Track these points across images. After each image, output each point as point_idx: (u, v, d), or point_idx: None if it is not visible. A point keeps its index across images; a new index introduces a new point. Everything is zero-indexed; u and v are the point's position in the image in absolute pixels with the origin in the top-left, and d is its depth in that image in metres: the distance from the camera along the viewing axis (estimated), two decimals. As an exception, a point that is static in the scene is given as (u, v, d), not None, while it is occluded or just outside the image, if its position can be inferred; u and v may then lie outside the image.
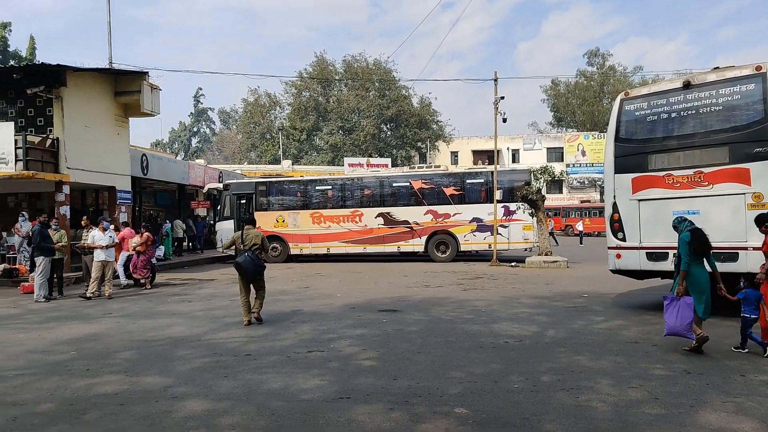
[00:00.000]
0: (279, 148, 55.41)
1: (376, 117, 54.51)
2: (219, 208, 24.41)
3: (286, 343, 7.73)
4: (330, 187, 22.49)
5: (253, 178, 26.60)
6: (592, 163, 56.89)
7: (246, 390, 5.65)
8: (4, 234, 16.95)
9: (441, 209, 21.06)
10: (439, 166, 26.50)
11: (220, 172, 29.78)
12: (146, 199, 26.93)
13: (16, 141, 15.25)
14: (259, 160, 57.89)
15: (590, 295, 11.97)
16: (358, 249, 21.59)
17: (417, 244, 21.25)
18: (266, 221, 21.47)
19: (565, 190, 56.82)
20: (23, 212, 17.24)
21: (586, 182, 57.30)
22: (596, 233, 41.36)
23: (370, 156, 51.58)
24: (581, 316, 9.60)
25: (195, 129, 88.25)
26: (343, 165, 45.45)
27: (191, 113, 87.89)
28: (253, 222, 9.99)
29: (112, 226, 14.08)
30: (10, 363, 6.97)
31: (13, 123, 15.96)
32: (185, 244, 26.08)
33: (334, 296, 12.41)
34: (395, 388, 5.59)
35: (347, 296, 12.36)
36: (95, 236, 13.11)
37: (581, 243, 32.60)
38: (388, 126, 57.70)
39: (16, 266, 16.10)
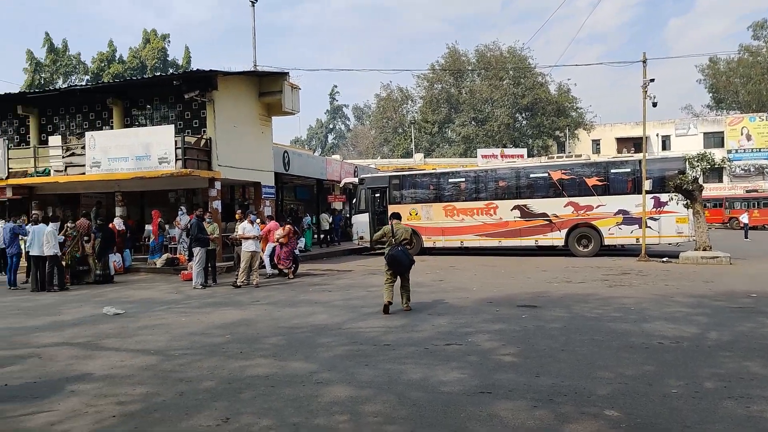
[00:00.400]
0: (411, 141, 55.99)
1: (510, 106, 53.24)
2: (354, 201, 25.13)
3: (424, 335, 7.74)
4: (463, 179, 22.25)
5: (387, 172, 27.10)
6: (759, 148, 51.39)
7: (386, 379, 5.72)
8: (167, 226, 18.62)
9: (583, 201, 20.03)
10: (579, 156, 25.19)
11: (355, 167, 30.64)
12: (287, 194, 28.36)
13: (176, 142, 16.70)
14: (391, 154, 58.90)
15: (759, 296, 10.76)
16: (492, 242, 21.20)
17: (556, 238, 20.38)
18: (401, 214, 21.67)
19: (726, 178, 51.69)
20: (182, 207, 18.87)
21: (752, 169, 51.68)
22: (763, 226, 37.45)
23: (504, 147, 50.54)
24: (749, 318, 8.66)
25: (331, 126, 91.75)
26: (475, 157, 44.97)
27: (327, 110, 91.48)
28: (399, 216, 10.32)
29: (258, 219, 14.95)
30: (175, 343, 7.63)
31: (173, 126, 17.50)
32: (323, 236, 27.17)
33: (469, 290, 12.27)
34: (538, 386, 5.38)
35: (483, 290, 12.17)
36: (245, 228, 14.00)
37: (746, 237, 29.61)
38: (524, 115, 56.14)
39: (177, 256, 17.64)
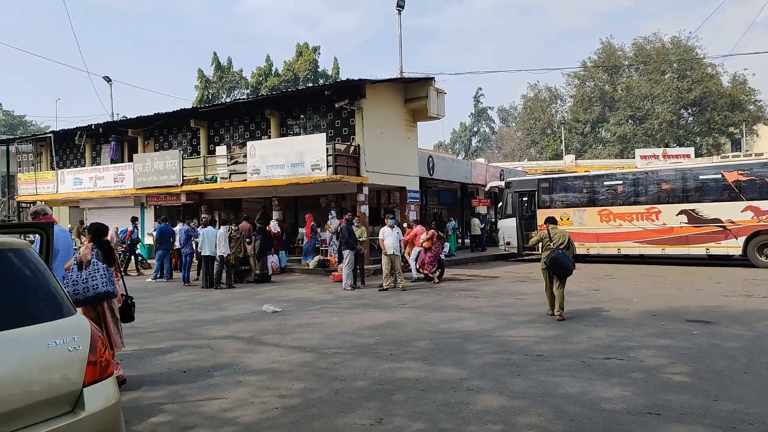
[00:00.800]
0: (561, 142, 53.84)
1: (673, 102, 49.16)
2: (500, 205, 24.65)
3: (580, 347, 7.34)
4: (620, 182, 20.89)
5: (535, 175, 26.27)
6: None
7: (541, 391, 5.48)
8: (319, 230, 19.53)
9: (765, 205, 17.89)
10: (760, 155, 22.51)
11: (501, 170, 30.10)
12: (431, 198, 28.53)
13: (327, 149, 17.48)
14: (539, 156, 57.11)
15: None
16: (654, 250, 19.67)
17: (732, 246, 18.37)
18: (549, 219, 20.96)
19: None
20: (332, 211, 19.70)
21: None
22: None
23: (667, 146, 46.77)
24: None
25: (475, 129, 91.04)
26: (633, 157, 42.13)
27: (471, 113, 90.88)
28: (555, 221, 10.04)
29: (395, 223, 15.02)
30: (328, 342, 7.93)
31: (324, 134, 18.35)
32: (467, 242, 27.00)
33: (629, 301, 11.47)
34: (716, 410, 4.84)
35: (645, 302, 11.31)
36: (383, 232, 14.27)
37: None
38: (690, 111, 51.57)
39: (328, 258, 18.42)
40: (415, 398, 5.32)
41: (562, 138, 53.80)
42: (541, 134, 59.72)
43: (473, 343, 7.71)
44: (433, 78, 20.19)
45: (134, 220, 19.82)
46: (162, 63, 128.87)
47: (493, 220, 29.75)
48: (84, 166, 25.85)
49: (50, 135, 27.15)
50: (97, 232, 5.93)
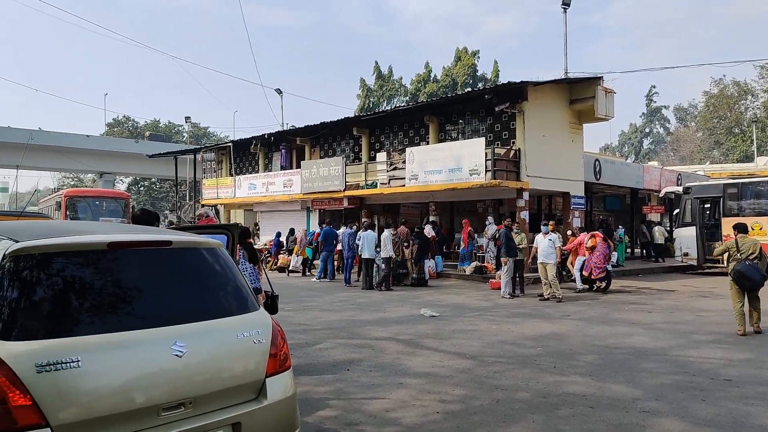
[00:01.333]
0: (751, 143, 48.19)
1: None
2: (677, 213, 22.65)
3: (776, 373, 6.49)
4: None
5: (720, 180, 23.80)
6: None
7: (730, 420, 4.93)
8: (476, 235, 19.38)
9: None
10: None
11: (678, 174, 27.74)
12: (596, 204, 27.08)
13: (486, 154, 17.29)
14: (724, 159, 51.61)
15: None
16: None
17: None
18: (736, 229, 18.90)
19: None
20: (489, 216, 19.43)
21: None
22: None
23: None
24: None
25: (647, 130, 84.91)
26: None
27: (643, 113, 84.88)
28: (745, 229, 9.20)
29: (549, 230, 14.24)
30: (488, 350, 7.80)
31: (483, 138, 18.18)
32: (637, 251, 25.22)
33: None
34: None
35: None
36: (537, 240, 13.73)
37: None
38: None
39: (485, 264, 18.20)
40: (582, 415, 5.04)
41: (753, 138, 47.97)
42: (727, 134, 53.89)
43: (647, 362, 7.15)
44: (601, 77, 19.14)
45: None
46: (327, 74, 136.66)
47: (668, 228, 27.51)
48: (257, 173, 28.06)
49: (230, 144, 29.85)
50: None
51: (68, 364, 2.42)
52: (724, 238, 19.16)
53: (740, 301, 8.78)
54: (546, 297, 13.32)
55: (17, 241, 2.68)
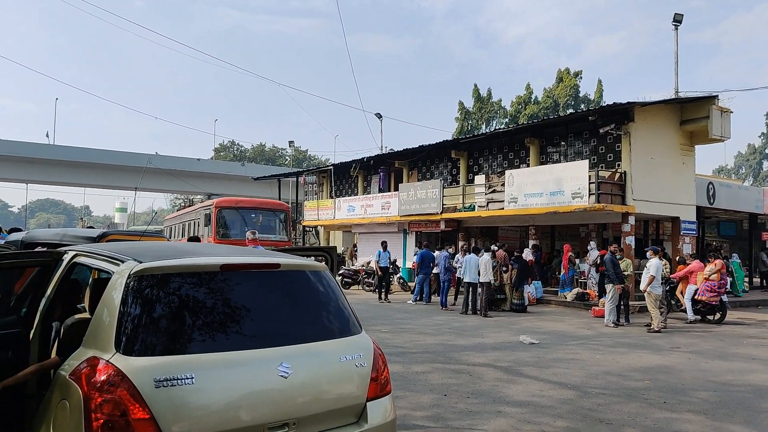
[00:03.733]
0: None
1: None
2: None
3: None
4: None
5: None
6: None
7: None
8: (577, 261, 18.70)
9: None
10: None
11: (803, 199, 25.47)
12: (708, 230, 25.39)
13: (589, 177, 16.72)
14: None
15: None
16: None
17: None
18: None
19: None
20: (591, 241, 18.70)
21: None
22: None
23: None
24: None
25: (767, 151, 78.78)
26: None
27: (762, 134, 78.93)
28: None
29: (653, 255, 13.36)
30: (591, 381, 7.49)
31: (587, 161, 17.61)
32: (756, 280, 23.32)
33: None
34: None
35: None
36: (654, 265, 12.84)
37: None
38: None
39: (587, 291, 17.50)
40: (696, 456, 4.72)
41: None
42: None
43: (769, 401, 6.60)
44: (717, 96, 18.04)
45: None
46: (426, 98, 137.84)
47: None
48: (356, 195, 28.68)
49: (330, 167, 30.75)
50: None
51: (183, 381, 2.55)
52: None
53: None
54: (656, 329, 12.52)
55: (141, 262, 2.88)
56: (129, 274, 2.80)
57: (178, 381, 2.54)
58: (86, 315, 3.30)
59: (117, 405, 2.43)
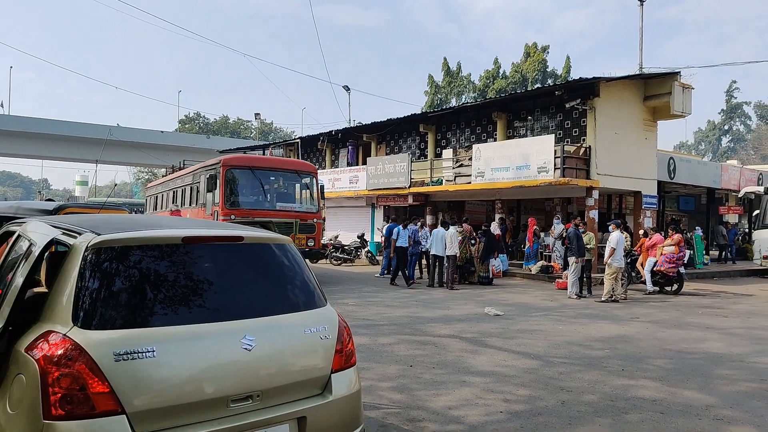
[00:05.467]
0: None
1: None
2: (756, 214, 21.52)
3: None
4: None
5: (803, 180, 22.43)
6: None
7: (813, 433, 4.67)
8: (542, 234, 19.01)
9: None
10: None
11: (760, 174, 26.30)
12: (668, 204, 26.03)
13: (555, 151, 16.92)
14: (809, 159, 48.58)
15: None
16: None
17: None
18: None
19: None
20: (557, 215, 19.00)
21: None
22: None
23: None
24: None
25: (726, 127, 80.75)
26: None
27: (722, 110, 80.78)
28: None
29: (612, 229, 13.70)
30: (553, 350, 7.67)
31: (553, 135, 17.79)
32: (715, 253, 24.07)
33: None
34: None
35: None
36: (611, 238, 13.18)
37: None
38: None
39: (551, 263, 17.83)
40: (652, 420, 4.90)
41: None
42: (813, 131, 50.66)
43: (722, 368, 6.86)
44: (679, 72, 18.35)
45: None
46: (395, 72, 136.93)
47: (746, 229, 26.15)
48: (324, 169, 28.50)
49: (297, 140, 30.43)
50: None
51: (144, 354, 2.51)
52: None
53: None
54: (613, 298, 12.91)
55: (99, 234, 2.81)
56: (86, 247, 2.73)
57: (139, 354, 2.51)
58: (43, 288, 3.21)
59: (75, 379, 2.39)
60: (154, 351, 2.54)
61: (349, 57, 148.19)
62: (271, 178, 15.55)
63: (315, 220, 15.21)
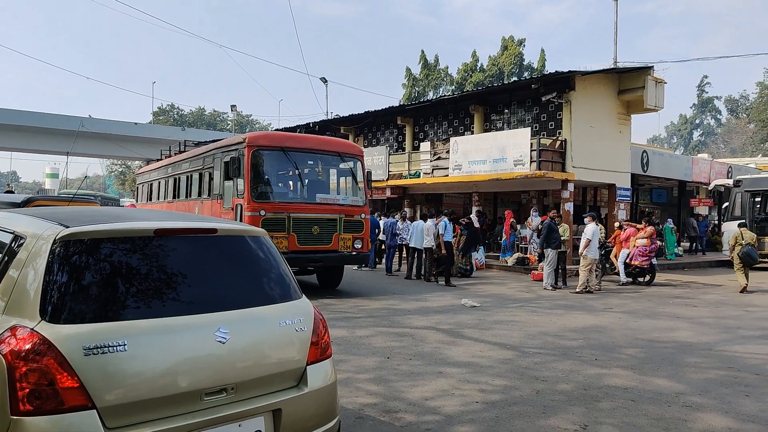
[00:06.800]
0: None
1: None
2: (726, 206, 21.98)
3: (829, 372, 6.27)
4: None
5: (772, 173, 22.95)
6: None
7: (777, 417, 4.81)
8: (518, 226, 19.16)
9: None
10: None
11: (729, 167, 26.81)
12: (642, 197, 26.43)
13: (531, 144, 17.05)
14: (776, 152, 49.68)
15: None
16: None
17: None
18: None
19: None
20: (534, 208, 19.17)
21: None
22: None
23: None
24: None
25: (697, 121, 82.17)
26: None
27: (693, 104, 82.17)
28: (745, 225, 14.29)
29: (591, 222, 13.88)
30: (529, 341, 7.76)
31: (529, 129, 17.93)
32: (687, 244, 24.52)
33: None
34: None
35: None
36: (591, 231, 13.36)
37: None
38: None
39: (527, 255, 18.00)
40: (623, 408, 4.99)
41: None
42: (781, 126, 51.75)
43: (691, 356, 7.01)
44: (652, 67, 18.57)
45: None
46: (374, 64, 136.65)
47: (716, 221, 26.70)
48: (302, 162, 28.28)
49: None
50: None
51: (115, 348, 2.48)
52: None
53: (743, 271, 13.46)
54: (580, 290, 13.08)
55: (67, 227, 2.76)
56: (54, 240, 2.68)
57: (110, 348, 2.47)
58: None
59: (44, 374, 2.35)
60: (125, 345, 2.51)
61: (326, 49, 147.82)
62: (309, 161, 12.47)
63: (363, 215, 12.43)
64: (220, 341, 2.78)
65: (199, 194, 13.87)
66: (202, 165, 13.84)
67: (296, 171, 11.95)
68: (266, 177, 11.75)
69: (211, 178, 13.16)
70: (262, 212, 11.02)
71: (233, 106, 57.73)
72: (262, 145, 11.66)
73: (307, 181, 12.21)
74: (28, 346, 2.38)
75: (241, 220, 10.55)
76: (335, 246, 11.79)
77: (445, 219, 14.71)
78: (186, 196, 14.97)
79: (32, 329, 2.44)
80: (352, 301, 11.23)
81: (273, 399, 2.94)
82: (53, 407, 2.36)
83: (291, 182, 12.55)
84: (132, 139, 47.98)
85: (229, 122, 75.56)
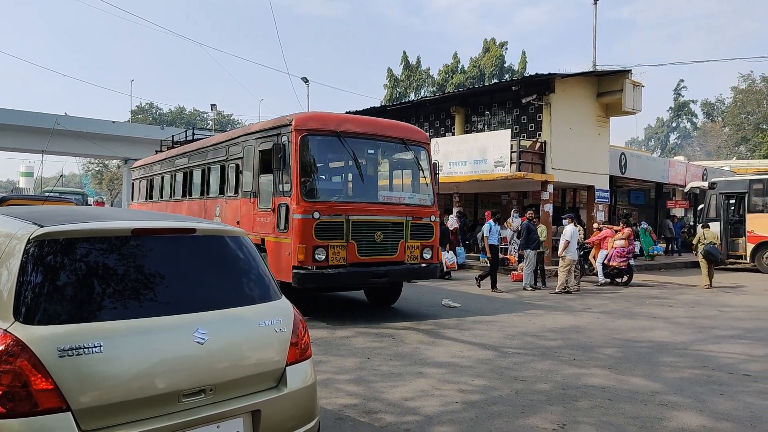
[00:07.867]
0: (780, 139, 47.06)
1: None
2: (701, 208, 22.33)
3: (801, 371, 6.40)
4: None
5: (746, 175, 23.35)
6: None
7: (748, 414, 4.92)
8: (499, 228, 19.22)
9: None
10: None
11: (704, 169, 27.24)
12: (620, 198, 26.74)
13: (511, 146, 17.17)
14: (750, 155, 50.54)
15: None
16: None
17: None
18: (763, 224, 18.59)
19: None
20: (515, 209, 19.29)
21: None
22: None
23: None
24: None
25: (674, 124, 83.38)
26: None
27: (670, 108, 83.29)
28: (707, 226, 15.74)
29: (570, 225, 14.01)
30: (508, 341, 7.81)
31: (510, 130, 18.05)
32: (663, 245, 24.86)
33: None
34: None
35: None
36: (571, 232, 13.48)
37: None
38: None
39: (507, 256, 18.10)
40: (601, 407, 5.05)
41: (783, 134, 46.95)
42: (754, 130, 52.59)
43: (667, 355, 7.11)
44: (630, 70, 18.84)
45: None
46: (355, 64, 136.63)
47: (691, 223, 27.12)
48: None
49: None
50: None
51: (90, 349, 2.45)
52: (748, 234, 18.91)
53: (708, 270, 14.47)
54: (560, 291, 13.19)
55: (42, 226, 2.72)
56: (28, 239, 2.64)
57: (85, 350, 2.44)
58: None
59: (17, 376, 2.32)
60: (101, 346, 2.48)
61: (307, 48, 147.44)
62: (369, 150, 9.86)
63: (432, 217, 9.99)
64: (198, 342, 2.76)
65: (221, 192, 11.30)
66: (225, 156, 11.15)
67: (354, 162, 9.29)
68: (319, 170, 9.42)
69: (239, 172, 10.52)
70: (316, 214, 8.60)
71: (213, 105, 57.41)
72: (313, 128, 9.05)
73: (367, 175, 9.73)
74: (1, 348, 2.34)
75: (286, 224, 8.64)
76: (401, 256, 9.37)
77: (491, 221, 13.69)
78: (202, 194, 12.43)
79: (5, 330, 2.40)
80: (331, 302, 11.19)
81: (252, 400, 2.92)
82: (27, 409, 2.33)
83: (345, 176, 10.25)
84: (109, 137, 47.26)
85: (209, 121, 74.94)
